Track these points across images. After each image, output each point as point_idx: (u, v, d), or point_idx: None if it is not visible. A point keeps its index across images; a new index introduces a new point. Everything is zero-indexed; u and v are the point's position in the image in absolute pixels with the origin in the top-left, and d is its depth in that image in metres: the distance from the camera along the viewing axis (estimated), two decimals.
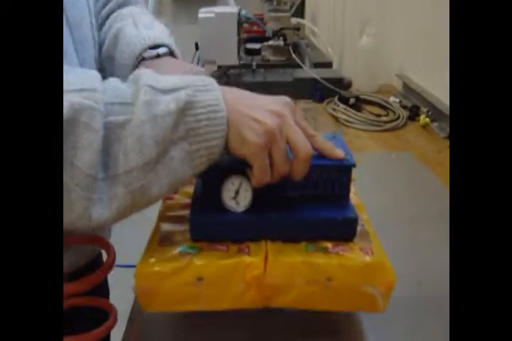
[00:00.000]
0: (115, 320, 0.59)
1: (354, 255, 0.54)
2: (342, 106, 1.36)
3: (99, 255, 0.77)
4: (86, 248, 0.67)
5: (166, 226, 0.58)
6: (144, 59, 0.69)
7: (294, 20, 2.12)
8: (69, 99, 0.42)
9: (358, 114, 1.32)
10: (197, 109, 0.45)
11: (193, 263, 0.52)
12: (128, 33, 0.71)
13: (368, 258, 0.53)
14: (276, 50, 1.74)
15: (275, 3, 1.95)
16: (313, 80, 1.48)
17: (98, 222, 0.45)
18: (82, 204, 0.44)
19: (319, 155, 0.54)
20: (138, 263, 0.52)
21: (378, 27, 1.59)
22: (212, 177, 0.52)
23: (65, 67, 0.44)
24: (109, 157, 0.44)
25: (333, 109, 1.37)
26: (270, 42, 1.75)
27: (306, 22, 2.31)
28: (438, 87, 1.37)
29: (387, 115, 1.36)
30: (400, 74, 1.60)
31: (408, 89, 1.52)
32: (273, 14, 1.94)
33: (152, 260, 0.53)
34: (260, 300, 0.53)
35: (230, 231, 0.54)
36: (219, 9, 1.47)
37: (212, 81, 0.48)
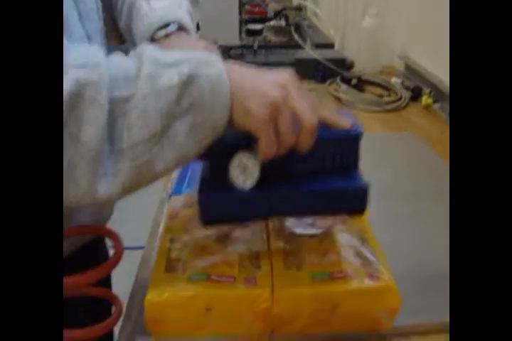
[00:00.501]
0: (120, 313, 0.59)
1: (359, 280, 0.54)
2: (344, 86, 1.35)
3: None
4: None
5: (172, 252, 0.59)
6: (154, 40, 0.69)
7: (296, 1, 2.10)
8: (73, 74, 0.42)
9: (360, 94, 1.32)
10: (200, 82, 0.45)
11: (201, 293, 0.53)
12: (139, 9, 0.71)
13: (373, 283, 0.54)
14: (277, 30, 1.73)
15: None
16: (315, 61, 1.47)
17: (103, 197, 0.45)
18: (87, 180, 0.43)
19: (325, 126, 0.51)
20: (147, 292, 0.53)
21: (380, 7, 1.58)
22: (218, 155, 0.50)
23: (69, 43, 0.44)
24: (114, 132, 0.44)
25: (335, 90, 1.37)
26: (272, 23, 1.74)
27: (307, 3, 2.29)
28: (440, 68, 1.36)
29: (389, 96, 1.35)
30: (402, 55, 1.59)
31: (410, 70, 1.51)
32: None
33: (161, 289, 0.53)
34: (267, 329, 0.55)
35: (240, 208, 0.53)
36: None
37: (216, 56, 0.48)
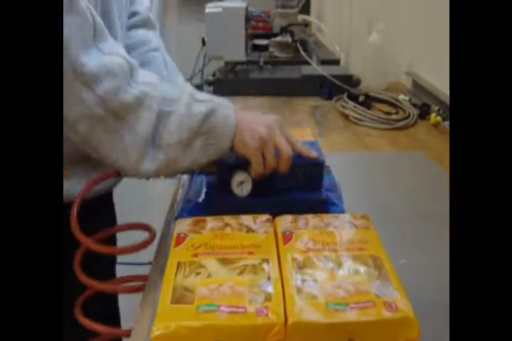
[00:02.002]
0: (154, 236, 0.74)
1: (377, 311, 0.51)
2: (351, 103, 1.33)
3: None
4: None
5: (179, 279, 0.55)
6: None
7: (300, 17, 2.09)
8: (141, 87, 0.64)
9: (368, 111, 1.29)
10: (218, 116, 0.67)
11: (211, 325, 0.50)
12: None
13: (391, 314, 0.51)
14: (283, 46, 1.72)
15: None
16: (322, 77, 1.46)
17: (143, 173, 0.66)
18: (135, 158, 0.64)
19: (298, 156, 0.71)
20: (153, 324, 0.50)
21: (387, 23, 1.57)
22: (224, 172, 0.72)
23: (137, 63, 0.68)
24: (157, 132, 0.65)
25: (343, 107, 1.35)
26: (278, 39, 1.72)
27: (312, 19, 2.28)
28: (448, 85, 1.34)
29: (397, 113, 1.33)
30: (409, 71, 1.57)
31: (418, 87, 1.49)
32: (280, 10, 1.92)
33: (168, 320, 0.50)
34: None
35: (238, 210, 0.69)
36: (227, 4, 1.45)
37: (231, 103, 0.70)
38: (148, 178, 0.70)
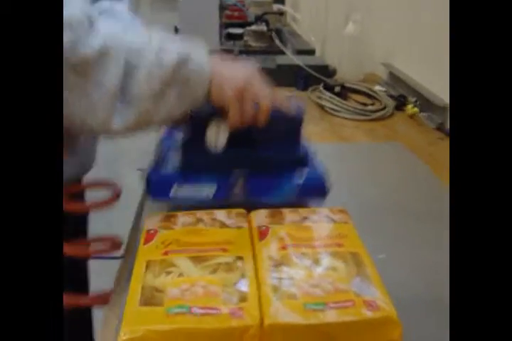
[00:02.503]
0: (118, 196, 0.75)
1: (356, 311, 0.49)
2: (327, 94, 1.31)
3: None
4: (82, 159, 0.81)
5: (148, 280, 0.52)
6: None
7: (276, 7, 2.06)
8: (102, 40, 0.57)
9: (344, 102, 1.27)
10: (190, 64, 0.61)
11: (183, 328, 0.46)
12: None
13: (371, 314, 0.48)
14: (258, 35, 1.69)
15: None
16: (297, 67, 1.43)
17: (114, 130, 0.60)
18: (105, 114, 0.59)
19: (277, 109, 0.67)
20: (120, 328, 0.46)
21: (364, 13, 1.55)
22: (198, 124, 0.67)
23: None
24: (126, 86, 0.59)
25: (318, 97, 1.32)
26: (252, 28, 1.69)
27: (287, 8, 2.25)
28: (425, 76, 1.33)
29: (373, 104, 1.31)
30: (385, 62, 1.55)
31: (394, 78, 1.47)
32: None
33: (136, 324, 0.46)
34: None
35: (214, 163, 0.69)
36: None
37: (204, 48, 0.64)
38: (120, 136, 0.65)
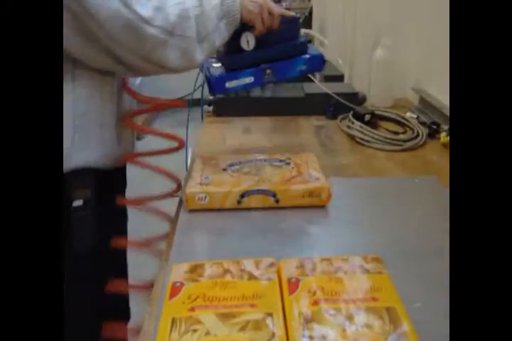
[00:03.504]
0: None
1: None
2: (357, 123, 1.28)
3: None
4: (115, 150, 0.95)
5: (173, 338, 0.51)
6: None
7: (303, 31, 2.05)
8: (177, 7, 0.85)
9: (375, 131, 1.24)
10: (228, 1, 0.91)
11: None
12: None
13: None
14: None
15: None
16: (326, 95, 1.41)
17: (199, 61, 0.91)
18: (191, 55, 0.88)
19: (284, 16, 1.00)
20: None
21: (393, 38, 1.52)
22: (233, 36, 0.94)
23: None
24: (199, 30, 0.87)
25: (348, 127, 1.29)
26: None
27: (315, 33, 2.23)
28: None
29: (404, 132, 1.28)
30: (415, 87, 1.52)
31: (426, 104, 1.44)
32: None
33: None
34: None
35: (248, 60, 1.01)
36: None
37: None
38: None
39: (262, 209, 0.86)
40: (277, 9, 0.98)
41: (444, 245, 0.77)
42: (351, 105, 1.38)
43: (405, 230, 0.81)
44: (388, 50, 1.49)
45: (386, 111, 1.39)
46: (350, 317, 0.52)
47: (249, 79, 1.01)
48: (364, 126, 1.26)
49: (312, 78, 1.50)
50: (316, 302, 0.54)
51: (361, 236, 0.81)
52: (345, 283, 0.57)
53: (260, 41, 0.98)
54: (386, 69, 1.51)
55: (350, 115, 1.33)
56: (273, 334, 0.51)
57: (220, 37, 0.91)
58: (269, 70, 1.03)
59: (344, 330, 0.51)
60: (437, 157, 1.15)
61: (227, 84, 1.00)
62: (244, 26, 0.96)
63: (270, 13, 0.96)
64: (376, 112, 1.35)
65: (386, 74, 1.52)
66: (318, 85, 1.45)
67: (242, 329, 0.51)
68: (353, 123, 1.29)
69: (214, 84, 1.01)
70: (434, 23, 1.43)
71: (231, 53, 1.00)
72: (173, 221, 0.89)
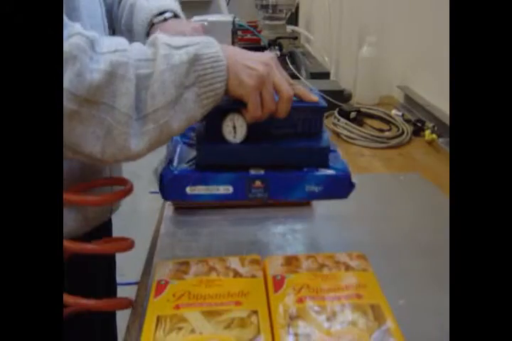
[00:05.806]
0: (131, 189, 0.69)
1: None
2: (343, 120, 1.28)
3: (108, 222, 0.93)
4: (92, 211, 0.77)
5: (159, 337, 0.50)
6: (153, 24, 0.88)
7: (289, 28, 2.05)
8: (107, 58, 0.55)
9: (360, 129, 1.25)
10: (203, 60, 0.57)
11: None
12: (140, 6, 0.91)
13: None
14: None
15: (271, 11, 1.87)
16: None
17: (135, 153, 0.57)
18: (122, 138, 0.56)
19: (298, 100, 0.63)
20: None
21: (379, 35, 1.53)
22: (214, 116, 0.62)
23: (98, 35, 0.57)
24: (140, 101, 0.56)
25: (334, 124, 1.30)
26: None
27: (301, 30, 2.24)
28: (443, 100, 1.30)
29: (389, 130, 1.29)
30: (401, 85, 1.53)
31: (411, 102, 1.45)
32: (268, 22, 1.87)
33: None
34: None
35: (230, 157, 0.64)
36: (212, 18, 1.39)
37: (213, 40, 0.60)
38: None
39: (247, 207, 0.86)
40: (288, 87, 0.60)
41: (429, 242, 0.78)
42: (337, 102, 1.38)
43: (390, 227, 0.82)
44: (374, 47, 1.50)
45: (371, 109, 1.39)
46: (334, 314, 0.53)
47: (226, 189, 0.64)
48: (350, 123, 1.27)
49: (298, 75, 1.50)
50: (301, 300, 0.55)
51: (346, 233, 0.81)
52: (330, 281, 0.58)
53: (255, 131, 0.62)
54: (372, 66, 1.52)
55: (335, 112, 1.33)
56: (258, 332, 0.51)
57: (182, 116, 0.57)
58: (260, 181, 0.64)
59: (329, 327, 0.51)
60: (422, 154, 1.15)
61: (189, 190, 0.64)
62: (233, 103, 0.61)
63: (276, 91, 0.60)
64: (362, 110, 1.36)
65: (372, 72, 1.52)
66: (303, 82, 1.45)
67: (228, 327, 0.52)
68: (338, 120, 1.29)
69: (167, 185, 0.64)
70: (420, 21, 1.44)
71: (207, 142, 0.65)
72: (158, 218, 0.89)
